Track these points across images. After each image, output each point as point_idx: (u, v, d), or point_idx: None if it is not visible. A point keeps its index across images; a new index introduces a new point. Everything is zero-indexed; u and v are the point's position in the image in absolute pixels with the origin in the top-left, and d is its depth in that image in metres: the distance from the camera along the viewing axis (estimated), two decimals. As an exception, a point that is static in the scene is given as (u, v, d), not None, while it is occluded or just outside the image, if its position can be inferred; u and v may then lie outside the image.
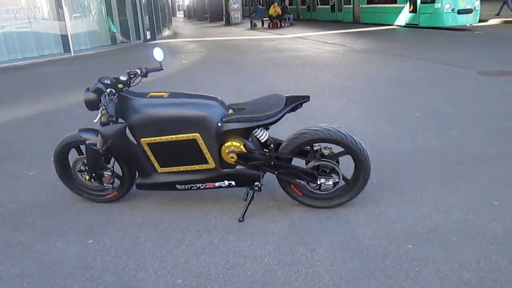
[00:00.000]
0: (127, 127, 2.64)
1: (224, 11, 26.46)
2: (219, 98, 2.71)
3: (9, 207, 3.03)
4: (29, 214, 2.91)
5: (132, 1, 14.37)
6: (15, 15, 11.14)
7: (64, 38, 11.56)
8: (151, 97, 2.63)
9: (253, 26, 21.28)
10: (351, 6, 19.47)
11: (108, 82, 2.59)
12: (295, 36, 15.21)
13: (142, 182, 2.78)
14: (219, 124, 2.56)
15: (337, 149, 2.61)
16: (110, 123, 2.62)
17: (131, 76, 2.71)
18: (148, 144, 2.63)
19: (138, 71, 2.76)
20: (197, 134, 2.57)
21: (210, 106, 2.59)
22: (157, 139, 2.60)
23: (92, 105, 2.64)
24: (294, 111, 2.58)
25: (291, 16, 21.21)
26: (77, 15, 12.42)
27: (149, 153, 2.67)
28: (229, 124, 2.56)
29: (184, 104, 2.59)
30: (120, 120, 2.66)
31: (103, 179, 2.88)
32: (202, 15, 34.93)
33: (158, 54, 2.88)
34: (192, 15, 40.11)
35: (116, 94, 2.55)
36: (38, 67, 9.98)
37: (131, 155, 2.72)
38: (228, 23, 25.50)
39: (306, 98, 2.59)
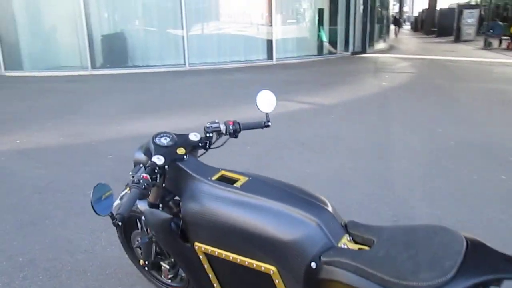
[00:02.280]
0: (174, 221, 1.67)
1: (455, 26, 23.28)
2: (329, 205, 1.49)
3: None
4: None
5: (346, 9, 13.50)
6: (234, 19, 11.62)
7: (269, 44, 11.50)
8: (217, 181, 1.59)
9: (486, 45, 17.88)
10: None
11: (164, 143, 1.67)
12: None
13: None
14: (313, 265, 1.34)
15: None
16: (160, 206, 1.71)
17: (208, 135, 1.73)
18: (205, 254, 1.60)
19: (222, 127, 1.77)
20: (273, 269, 1.42)
21: (305, 226, 1.40)
22: (217, 251, 1.55)
23: None
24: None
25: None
26: (286, 21, 12.24)
27: (206, 265, 1.64)
28: (331, 269, 1.31)
29: (262, 210, 1.46)
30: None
31: (161, 271, 2.00)
32: (429, 28, 31.85)
33: (265, 101, 1.82)
34: (419, 27, 37.18)
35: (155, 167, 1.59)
36: (238, 72, 10.07)
37: (181, 258, 1.74)
38: (458, 39, 22.28)
39: None
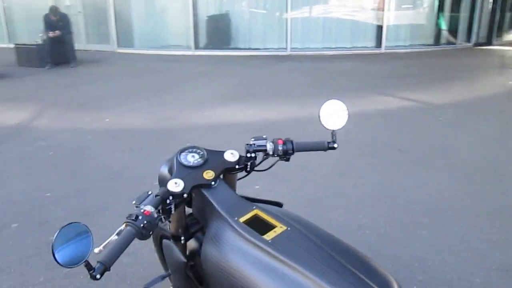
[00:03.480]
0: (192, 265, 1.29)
1: None
2: None
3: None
4: None
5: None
6: (343, 1, 10.88)
7: (379, 30, 10.54)
8: (245, 225, 1.17)
9: None
10: None
11: (190, 162, 1.31)
12: None
13: None
14: None
15: None
16: (182, 239, 1.36)
17: (250, 155, 1.33)
18: None
19: (269, 146, 1.34)
20: None
21: None
22: None
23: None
24: None
25: None
26: (400, 6, 11.07)
27: None
28: None
29: (289, 283, 1.01)
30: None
31: None
32: None
33: (332, 114, 1.37)
34: None
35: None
36: (341, 60, 9.40)
37: None
38: None
39: None
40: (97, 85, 7.25)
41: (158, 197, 1.19)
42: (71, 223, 1.03)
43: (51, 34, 8.63)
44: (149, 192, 1.20)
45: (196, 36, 10.71)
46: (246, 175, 1.46)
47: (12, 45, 9.93)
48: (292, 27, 10.43)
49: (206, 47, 10.89)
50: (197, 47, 10.71)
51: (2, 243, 2.66)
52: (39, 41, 8.95)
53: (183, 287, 1.36)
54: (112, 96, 6.40)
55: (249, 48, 10.81)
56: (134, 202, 1.18)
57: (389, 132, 4.58)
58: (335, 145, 1.45)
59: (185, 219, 1.39)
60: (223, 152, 1.38)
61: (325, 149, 1.45)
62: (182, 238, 1.39)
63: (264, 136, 1.43)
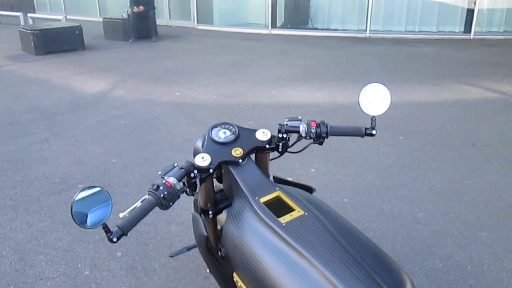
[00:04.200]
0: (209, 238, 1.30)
1: None
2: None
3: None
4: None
5: None
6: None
7: (469, 14, 9.71)
8: (265, 205, 1.15)
9: None
10: None
11: (220, 138, 1.31)
12: None
13: None
14: None
15: None
16: (210, 213, 1.38)
17: (282, 135, 1.30)
18: None
19: (302, 127, 1.30)
20: None
21: None
22: None
23: None
24: None
25: None
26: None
27: None
28: None
29: (296, 269, 0.98)
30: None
31: None
32: None
33: (373, 99, 1.30)
34: None
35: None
36: (424, 45, 8.85)
37: (220, 283, 1.38)
38: None
39: None
40: (173, 59, 7.52)
41: (183, 170, 1.21)
42: (94, 186, 1.08)
43: (135, 9, 9.06)
44: (175, 164, 1.22)
45: (274, 15, 10.64)
46: (279, 156, 1.43)
47: (101, 19, 10.60)
48: (374, 8, 9.97)
49: (283, 26, 10.79)
50: (274, 26, 10.65)
51: (68, 200, 2.89)
52: (125, 16, 9.43)
53: (206, 260, 1.38)
54: (185, 71, 6.61)
55: (327, 29, 10.54)
56: (159, 172, 1.21)
57: (464, 124, 4.25)
58: (374, 132, 1.37)
59: (214, 194, 1.40)
60: (255, 130, 1.36)
61: (362, 135, 1.37)
62: (210, 212, 1.41)
63: (299, 117, 1.39)
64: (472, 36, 9.63)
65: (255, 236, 1.10)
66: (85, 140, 3.95)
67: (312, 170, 3.28)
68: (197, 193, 1.36)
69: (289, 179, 1.44)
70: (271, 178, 1.51)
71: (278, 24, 10.82)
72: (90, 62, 7.49)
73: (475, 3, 9.57)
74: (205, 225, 1.37)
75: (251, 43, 9.28)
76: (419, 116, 4.44)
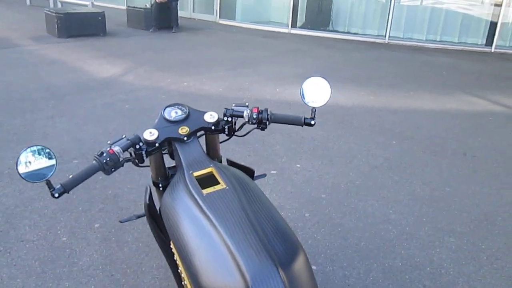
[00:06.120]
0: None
1: None
2: (300, 258, 1.03)
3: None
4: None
5: None
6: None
7: (492, 27, 9.57)
8: (195, 178, 1.27)
9: None
10: None
11: (171, 117, 1.43)
12: None
13: None
14: None
15: None
16: (160, 186, 1.50)
17: (227, 119, 1.40)
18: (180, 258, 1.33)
19: (246, 113, 1.41)
20: None
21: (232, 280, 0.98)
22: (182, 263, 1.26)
23: None
24: None
25: None
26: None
27: (183, 274, 1.36)
28: None
29: (206, 235, 1.09)
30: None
31: None
32: None
33: (314, 91, 1.39)
34: None
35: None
36: (442, 55, 8.78)
37: (162, 251, 1.51)
38: None
39: None
40: (189, 51, 7.68)
41: (129, 141, 1.33)
42: (39, 145, 1.20)
43: (158, 0, 9.27)
44: (123, 136, 1.35)
45: (295, 15, 10.70)
46: (228, 139, 1.54)
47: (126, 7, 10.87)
48: (395, 14, 9.93)
49: (303, 27, 10.84)
50: (294, 25, 10.72)
51: (62, 174, 3.06)
52: (148, 5, 9.66)
53: (151, 228, 1.50)
54: (198, 63, 6.76)
55: (348, 32, 10.55)
56: (108, 142, 1.34)
57: (461, 134, 4.26)
58: (313, 122, 1.46)
59: (164, 168, 1.52)
60: (205, 112, 1.47)
61: (301, 125, 1.47)
62: (160, 185, 1.53)
63: (247, 104, 1.49)
64: (493, 49, 9.50)
65: (182, 205, 1.21)
66: (88, 120, 4.13)
67: (298, 165, 3.37)
68: (148, 166, 1.48)
69: (242, 163, 1.54)
70: (224, 160, 1.62)
71: (299, 24, 10.88)
72: (108, 47, 7.72)
73: (498, 16, 9.43)
74: (151, 195, 1.48)
75: (269, 40, 9.38)
76: (418, 123, 4.48)
